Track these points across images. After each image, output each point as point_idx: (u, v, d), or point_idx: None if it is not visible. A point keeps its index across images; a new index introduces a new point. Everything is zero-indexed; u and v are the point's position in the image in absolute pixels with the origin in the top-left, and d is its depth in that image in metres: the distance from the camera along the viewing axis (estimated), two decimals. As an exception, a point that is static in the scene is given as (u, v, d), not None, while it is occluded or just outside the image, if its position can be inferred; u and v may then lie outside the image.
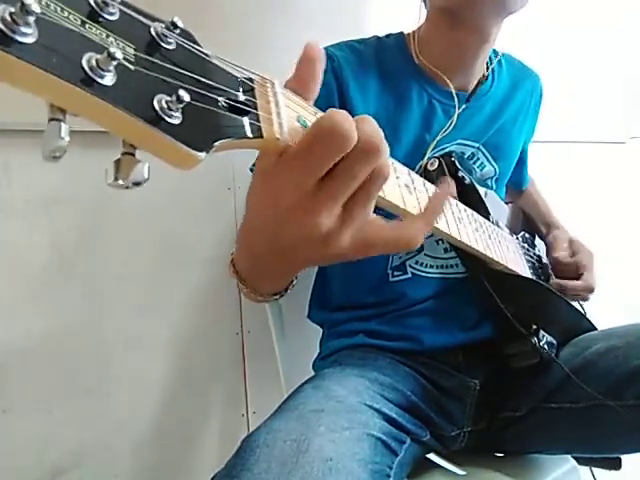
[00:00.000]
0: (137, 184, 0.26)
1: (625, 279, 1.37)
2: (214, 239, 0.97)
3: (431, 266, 0.77)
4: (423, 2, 0.79)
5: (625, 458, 0.72)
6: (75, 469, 0.85)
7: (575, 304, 0.87)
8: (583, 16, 1.45)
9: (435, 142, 0.75)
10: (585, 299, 0.82)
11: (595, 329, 0.80)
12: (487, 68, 0.82)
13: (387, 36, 0.81)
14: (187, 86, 0.27)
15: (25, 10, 0.21)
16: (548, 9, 1.33)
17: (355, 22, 1.10)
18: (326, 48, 0.75)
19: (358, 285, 0.78)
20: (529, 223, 0.98)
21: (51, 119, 0.23)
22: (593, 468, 0.80)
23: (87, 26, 0.24)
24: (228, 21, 0.96)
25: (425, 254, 0.76)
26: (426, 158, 0.73)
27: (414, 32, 0.80)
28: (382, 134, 0.33)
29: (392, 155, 0.82)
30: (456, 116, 0.76)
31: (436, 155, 0.72)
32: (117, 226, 0.88)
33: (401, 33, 0.81)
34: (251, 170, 0.75)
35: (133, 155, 0.26)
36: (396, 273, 0.77)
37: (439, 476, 0.72)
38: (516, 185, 0.99)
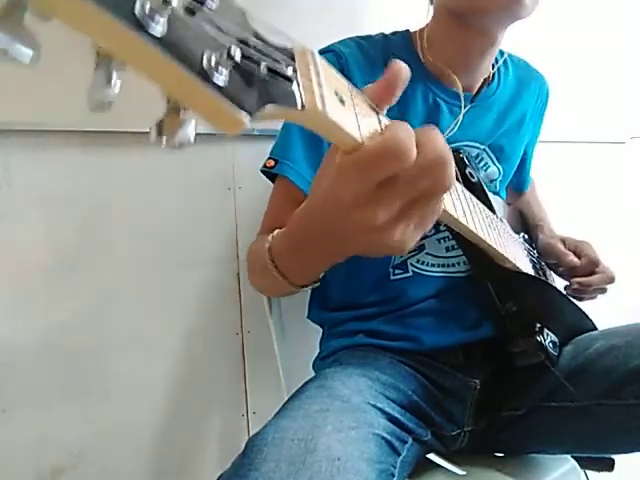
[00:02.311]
0: (182, 145, 0.26)
1: (625, 279, 1.37)
2: (214, 239, 0.97)
3: (433, 265, 0.77)
4: (430, 1, 0.79)
5: (620, 458, 0.72)
6: (75, 469, 0.85)
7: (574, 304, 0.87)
8: (583, 16, 1.45)
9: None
10: (604, 291, 0.83)
11: (596, 328, 0.80)
12: (492, 68, 0.82)
13: (393, 34, 0.81)
14: (239, 45, 0.26)
15: None
16: (548, 9, 1.33)
17: (355, 21, 1.10)
18: (332, 45, 0.76)
19: (359, 283, 0.78)
20: (525, 223, 0.98)
21: (98, 66, 0.22)
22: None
23: None
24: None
25: (427, 253, 0.76)
26: None
27: (421, 30, 0.79)
28: (447, 149, 0.34)
29: None
30: (462, 116, 0.76)
31: None
32: (117, 226, 0.88)
33: (407, 31, 0.81)
34: (261, 171, 0.75)
35: (178, 114, 0.25)
36: (397, 271, 0.77)
37: (439, 476, 0.72)
38: (517, 187, 0.99)
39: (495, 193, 0.82)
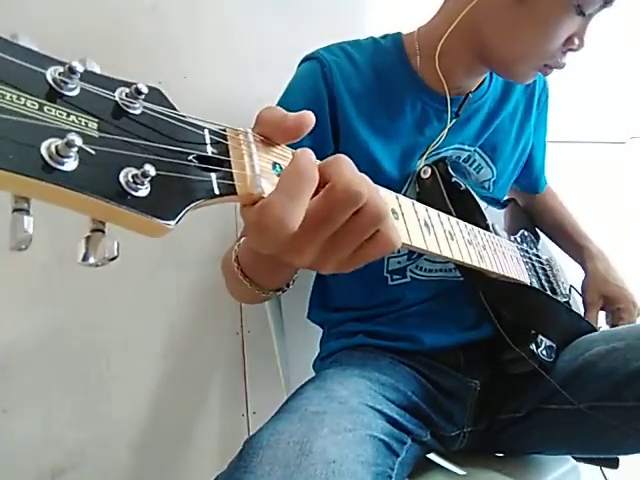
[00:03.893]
0: (112, 259, 0.27)
1: (625, 279, 1.37)
2: (214, 239, 0.96)
3: (430, 270, 0.77)
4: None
5: (632, 457, 0.72)
6: (75, 469, 0.85)
7: (575, 305, 0.87)
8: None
9: (429, 151, 0.74)
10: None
11: (595, 330, 0.80)
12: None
13: (384, 37, 0.78)
14: (153, 157, 0.27)
15: None
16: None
17: (354, 22, 1.10)
18: (317, 51, 0.74)
19: (357, 288, 0.78)
20: (541, 226, 0.97)
21: (15, 209, 0.23)
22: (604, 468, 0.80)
23: (46, 109, 0.24)
24: (228, 21, 0.96)
25: (425, 259, 0.76)
26: (420, 165, 0.73)
27: (418, 33, 0.76)
28: (356, 182, 0.31)
29: (385, 163, 0.81)
30: (449, 124, 0.74)
31: (429, 163, 0.72)
32: (117, 226, 0.87)
33: (398, 34, 0.78)
34: None
35: (102, 232, 0.27)
36: (395, 277, 0.76)
37: (439, 476, 0.72)
38: (529, 188, 0.97)
39: (488, 195, 0.80)
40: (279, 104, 0.69)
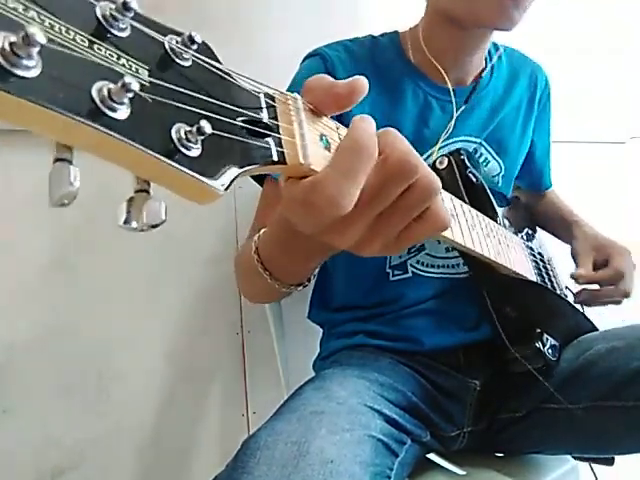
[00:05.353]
0: (154, 226, 0.24)
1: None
2: (214, 239, 0.97)
3: (432, 266, 0.77)
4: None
5: (625, 457, 0.72)
6: (75, 469, 0.85)
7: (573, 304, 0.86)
8: (584, 16, 1.45)
9: (440, 142, 0.74)
10: (618, 303, 0.79)
11: (596, 330, 0.80)
12: (486, 62, 0.82)
13: (382, 35, 0.81)
14: (208, 114, 0.24)
15: (28, 41, 0.18)
16: (549, 9, 1.33)
17: (352, 21, 1.10)
18: (319, 48, 0.75)
19: (358, 284, 0.78)
20: (545, 224, 0.97)
21: (57, 159, 0.21)
22: (594, 467, 0.80)
23: (96, 47, 0.21)
24: (228, 21, 0.96)
25: (427, 253, 0.76)
26: (434, 155, 0.73)
27: (410, 30, 0.79)
28: (412, 152, 0.30)
29: None
30: (456, 114, 0.75)
31: (445, 153, 0.72)
32: (117, 226, 0.87)
33: (396, 32, 0.81)
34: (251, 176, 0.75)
35: (148, 192, 0.24)
36: (396, 272, 0.76)
37: (439, 476, 0.72)
38: (533, 186, 0.97)
39: (497, 190, 0.81)
40: None
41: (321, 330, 0.87)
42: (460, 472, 0.74)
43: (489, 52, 0.83)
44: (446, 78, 0.75)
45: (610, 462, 0.73)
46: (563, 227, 0.94)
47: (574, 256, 0.85)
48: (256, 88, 0.28)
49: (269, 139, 0.27)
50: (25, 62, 0.18)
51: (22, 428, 0.81)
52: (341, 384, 0.62)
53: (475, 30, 0.72)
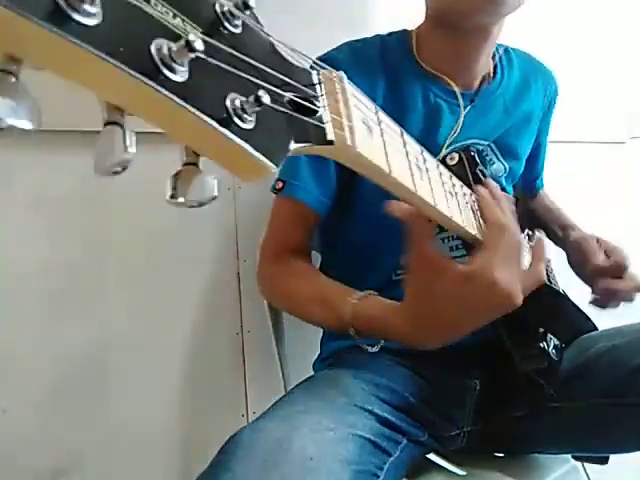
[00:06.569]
0: (202, 204, 0.23)
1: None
2: (214, 239, 0.96)
3: None
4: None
5: (619, 457, 0.72)
6: (75, 469, 0.85)
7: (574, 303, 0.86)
8: (584, 15, 1.45)
9: (447, 143, 0.74)
10: (631, 300, 0.77)
11: (596, 329, 0.80)
12: (496, 65, 0.81)
13: (390, 34, 0.80)
14: (266, 85, 0.23)
15: None
16: (548, 8, 1.33)
17: (360, 21, 1.10)
18: (328, 53, 0.75)
19: (360, 285, 0.78)
20: (538, 224, 0.97)
21: (108, 122, 0.19)
22: (586, 468, 0.80)
23: (153, 1, 0.20)
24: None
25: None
26: (445, 151, 0.73)
27: (418, 28, 0.79)
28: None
29: None
30: (462, 117, 0.75)
31: (456, 149, 0.72)
32: (117, 226, 0.87)
33: (404, 31, 0.80)
34: (272, 191, 0.74)
35: (197, 166, 0.23)
36: (399, 271, 0.77)
37: (439, 476, 0.72)
38: (526, 189, 0.97)
39: (502, 189, 0.81)
40: None
41: (321, 330, 0.87)
42: (460, 472, 0.74)
43: (500, 56, 0.82)
44: (450, 82, 0.75)
45: (604, 461, 0.73)
46: (555, 227, 0.95)
47: (577, 242, 0.85)
48: (302, 62, 0.27)
49: (322, 117, 0.26)
50: (87, 7, 0.16)
51: (22, 428, 0.81)
52: (332, 384, 0.62)
53: (469, 28, 0.71)
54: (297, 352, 0.91)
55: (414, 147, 0.41)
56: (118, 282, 0.88)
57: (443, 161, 0.70)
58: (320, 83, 0.28)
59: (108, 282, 0.87)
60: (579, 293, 0.81)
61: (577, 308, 0.76)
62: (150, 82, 0.18)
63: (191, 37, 0.19)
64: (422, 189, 0.37)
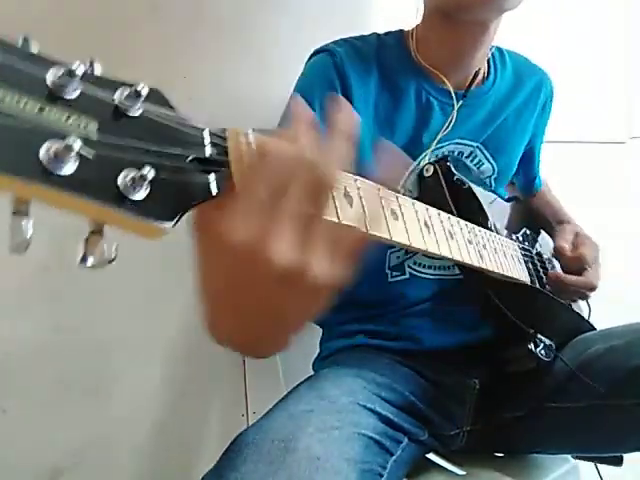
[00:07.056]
0: (109, 262, 0.28)
1: (625, 279, 1.37)
2: (214, 239, 0.96)
3: (429, 267, 0.77)
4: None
5: (628, 457, 0.72)
6: (75, 469, 0.85)
7: (576, 303, 0.86)
8: (584, 15, 1.45)
9: (435, 143, 0.75)
10: (585, 297, 0.78)
11: (594, 329, 0.80)
12: (489, 66, 0.82)
13: (386, 34, 0.81)
14: (152, 160, 0.27)
15: None
16: (548, 8, 1.33)
17: (355, 21, 1.10)
18: (327, 45, 0.76)
19: (358, 285, 0.78)
20: (537, 221, 0.97)
21: (14, 212, 0.24)
22: (599, 466, 0.80)
23: (46, 111, 0.24)
24: (228, 21, 0.96)
25: (423, 254, 0.76)
26: (422, 163, 0.73)
27: (412, 30, 0.80)
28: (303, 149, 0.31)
29: None
30: (454, 115, 0.76)
31: (431, 161, 0.72)
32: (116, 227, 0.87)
33: (401, 31, 0.81)
34: None
35: (101, 233, 0.27)
36: (395, 273, 0.77)
37: (439, 476, 0.72)
38: (525, 189, 0.98)
39: (490, 190, 0.81)
40: (295, 93, 0.71)
41: (321, 330, 0.87)
42: (460, 472, 0.74)
43: (493, 57, 0.82)
44: (444, 79, 0.75)
45: (618, 463, 0.73)
46: (553, 221, 0.95)
47: (556, 233, 0.84)
48: (204, 127, 0.30)
49: (211, 175, 0.29)
50: None
51: (22, 428, 0.81)
52: (335, 383, 0.62)
53: (467, 23, 0.71)
54: (297, 352, 0.91)
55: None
56: (118, 282, 0.88)
57: (420, 174, 0.71)
58: (225, 144, 0.31)
59: (108, 282, 0.87)
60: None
61: (569, 308, 0.76)
62: (38, 182, 0.23)
63: (69, 139, 0.23)
64: None
